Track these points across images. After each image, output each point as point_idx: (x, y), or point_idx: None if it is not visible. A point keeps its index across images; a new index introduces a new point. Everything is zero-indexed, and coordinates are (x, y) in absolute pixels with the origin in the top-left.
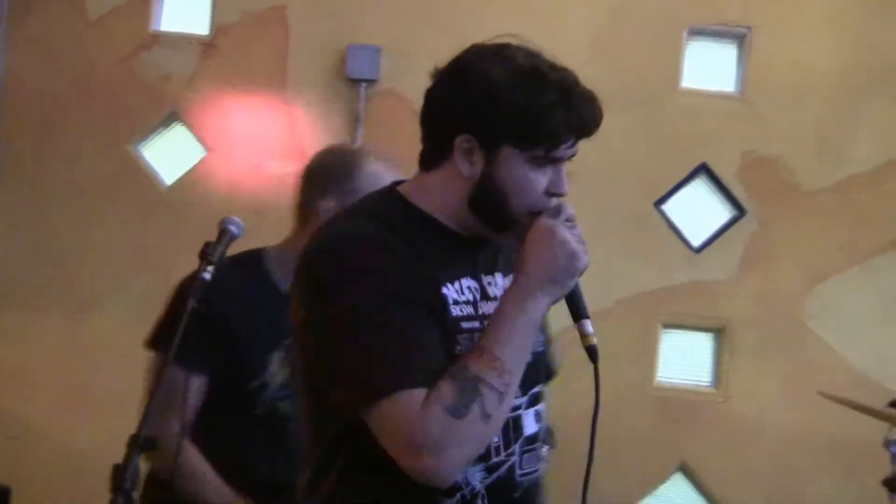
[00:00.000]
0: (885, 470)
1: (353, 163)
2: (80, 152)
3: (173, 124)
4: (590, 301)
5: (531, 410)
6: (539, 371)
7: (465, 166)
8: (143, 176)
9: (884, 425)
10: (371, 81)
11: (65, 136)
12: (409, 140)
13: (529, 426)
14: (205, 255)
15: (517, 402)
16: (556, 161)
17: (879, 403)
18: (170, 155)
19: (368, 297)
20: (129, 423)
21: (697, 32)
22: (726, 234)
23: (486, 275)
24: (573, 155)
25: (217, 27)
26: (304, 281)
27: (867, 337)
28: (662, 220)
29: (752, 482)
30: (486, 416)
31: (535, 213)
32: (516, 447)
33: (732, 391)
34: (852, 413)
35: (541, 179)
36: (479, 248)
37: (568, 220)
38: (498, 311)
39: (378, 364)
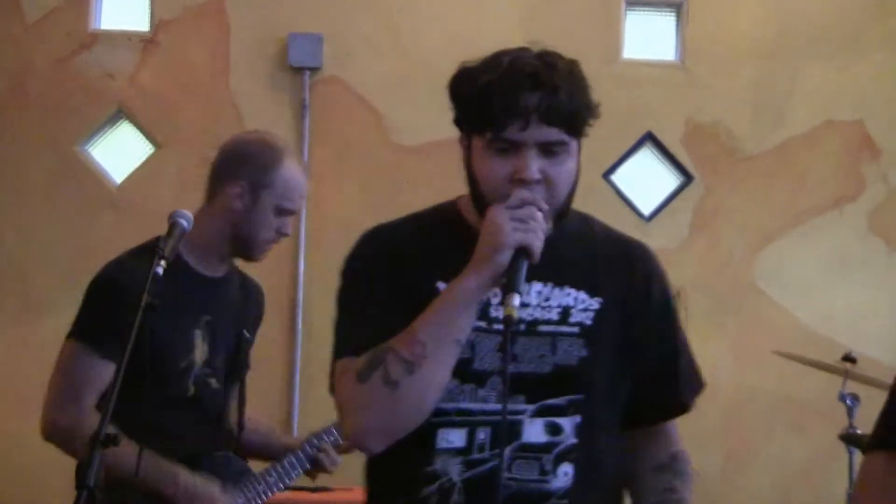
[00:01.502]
0: (838, 425)
1: (274, 158)
2: (23, 155)
3: (119, 122)
4: None
5: (538, 420)
6: (560, 385)
7: (463, 160)
8: (92, 175)
9: (833, 383)
10: (314, 69)
11: (4, 138)
12: (355, 125)
13: (532, 435)
14: (157, 249)
15: (519, 407)
16: (514, 145)
17: (831, 359)
18: (117, 153)
19: (350, 283)
20: None
21: (635, 3)
22: (675, 201)
23: None
24: (543, 141)
25: (157, 23)
26: None
27: (814, 295)
28: (612, 191)
29: (708, 443)
30: (392, 383)
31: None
32: (506, 450)
33: None
34: (803, 371)
35: (503, 165)
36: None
37: (522, 202)
38: None
39: (335, 338)
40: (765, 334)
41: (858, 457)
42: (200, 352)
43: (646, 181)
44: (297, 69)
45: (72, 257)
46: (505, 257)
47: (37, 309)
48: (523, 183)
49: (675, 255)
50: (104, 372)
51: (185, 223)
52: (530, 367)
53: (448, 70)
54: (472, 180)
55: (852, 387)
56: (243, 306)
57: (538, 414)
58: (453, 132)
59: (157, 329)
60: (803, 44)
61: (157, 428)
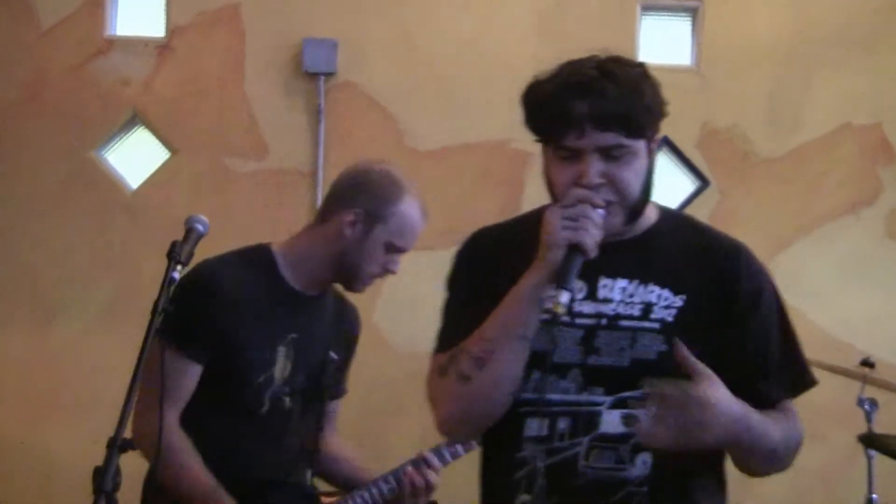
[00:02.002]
0: (856, 430)
1: (395, 193)
2: (38, 161)
3: (135, 128)
4: None
5: (616, 412)
6: (638, 378)
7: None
8: (107, 181)
9: (851, 388)
10: (329, 75)
11: (20, 146)
12: (369, 130)
13: (609, 425)
14: (172, 255)
15: (598, 399)
16: (574, 152)
17: (848, 364)
18: (133, 159)
19: (449, 284)
20: (99, 428)
21: (650, 7)
22: (690, 205)
23: (605, 277)
24: (601, 146)
25: (172, 29)
26: None
27: (831, 300)
28: None
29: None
30: (464, 377)
31: None
32: (584, 439)
33: None
34: (820, 376)
35: (567, 172)
36: (611, 250)
37: (576, 201)
38: None
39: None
40: None
41: (878, 461)
42: (281, 368)
43: (661, 186)
44: (312, 75)
45: (87, 263)
46: (557, 255)
47: (51, 314)
48: (584, 187)
49: None
50: (188, 371)
51: (200, 228)
52: (610, 360)
53: (462, 74)
54: (548, 187)
55: (871, 392)
56: (336, 327)
57: (616, 405)
58: (467, 137)
59: (240, 339)
60: (819, 47)
61: (226, 440)
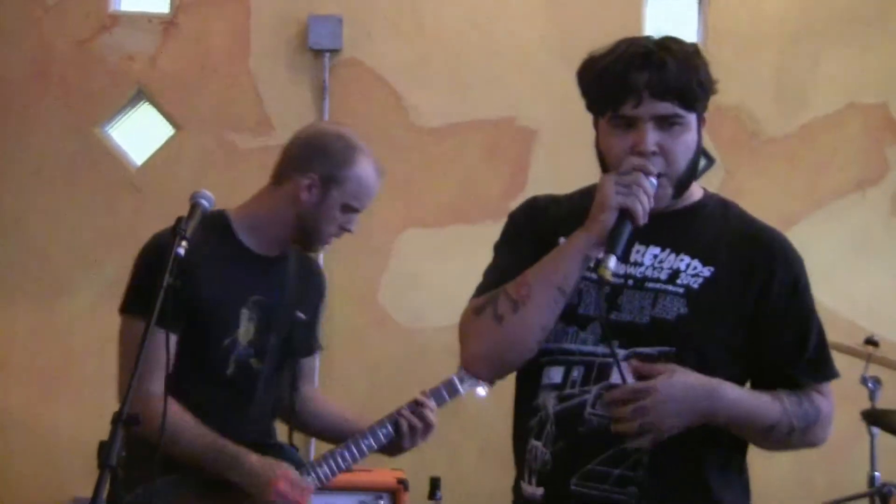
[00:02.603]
0: (860, 408)
1: (350, 156)
2: (43, 137)
3: (140, 104)
4: None
5: (626, 364)
6: (655, 336)
7: (595, 144)
8: (112, 157)
9: (855, 366)
10: (334, 51)
11: (26, 121)
12: (374, 107)
13: (619, 377)
14: (177, 230)
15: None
16: (631, 121)
17: (853, 342)
18: (138, 135)
19: (500, 238)
20: (106, 404)
21: None
22: (697, 183)
23: (639, 243)
24: (656, 115)
25: (177, 5)
26: None
27: (836, 278)
28: None
29: None
30: (498, 317)
31: None
32: (594, 388)
33: None
34: None
35: (623, 140)
36: (651, 220)
37: (631, 168)
38: None
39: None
40: None
41: (881, 438)
42: (245, 331)
43: None
44: (317, 51)
45: (92, 239)
46: (609, 218)
47: (58, 290)
48: (640, 154)
49: None
50: (160, 346)
51: (206, 203)
52: (629, 316)
53: (468, 51)
54: (601, 158)
55: (874, 370)
56: (300, 287)
57: (629, 359)
58: (472, 114)
59: (201, 304)
60: (826, 26)
61: (196, 404)
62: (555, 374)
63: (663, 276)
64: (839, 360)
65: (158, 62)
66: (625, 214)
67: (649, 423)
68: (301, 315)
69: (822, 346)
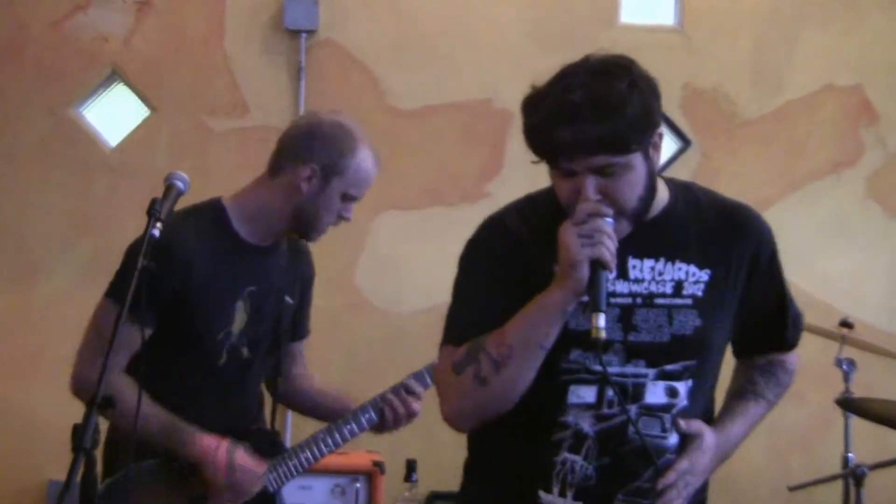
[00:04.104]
0: (834, 390)
1: (350, 148)
2: (17, 118)
3: (113, 85)
4: None
5: (661, 383)
6: (678, 353)
7: None
8: (86, 138)
9: (830, 348)
10: (310, 32)
11: None
12: (351, 89)
13: (654, 396)
14: (152, 212)
15: (639, 371)
16: (569, 171)
17: (828, 324)
18: (112, 116)
19: (463, 270)
20: None
21: None
22: (673, 166)
23: (633, 257)
24: (592, 167)
25: None
26: None
27: (811, 260)
28: None
29: None
30: (481, 379)
31: None
32: (632, 408)
33: None
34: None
35: (568, 188)
36: (633, 232)
37: (587, 216)
38: None
39: (445, 322)
40: None
41: (854, 422)
42: (239, 322)
43: None
44: (293, 32)
45: (66, 220)
46: (582, 272)
47: (32, 272)
48: (587, 200)
49: None
50: (136, 332)
51: (181, 185)
52: (650, 336)
53: (444, 33)
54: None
55: (849, 352)
56: (291, 273)
57: (659, 378)
58: (449, 96)
59: (198, 301)
60: (802, 8)
61: (187, 396)
62: (585, 394)
63: (668, 289)
64: (814, 343)
65: (133, 43)
66: (596, 265)
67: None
68: (290, 300)
69: (795, 305)
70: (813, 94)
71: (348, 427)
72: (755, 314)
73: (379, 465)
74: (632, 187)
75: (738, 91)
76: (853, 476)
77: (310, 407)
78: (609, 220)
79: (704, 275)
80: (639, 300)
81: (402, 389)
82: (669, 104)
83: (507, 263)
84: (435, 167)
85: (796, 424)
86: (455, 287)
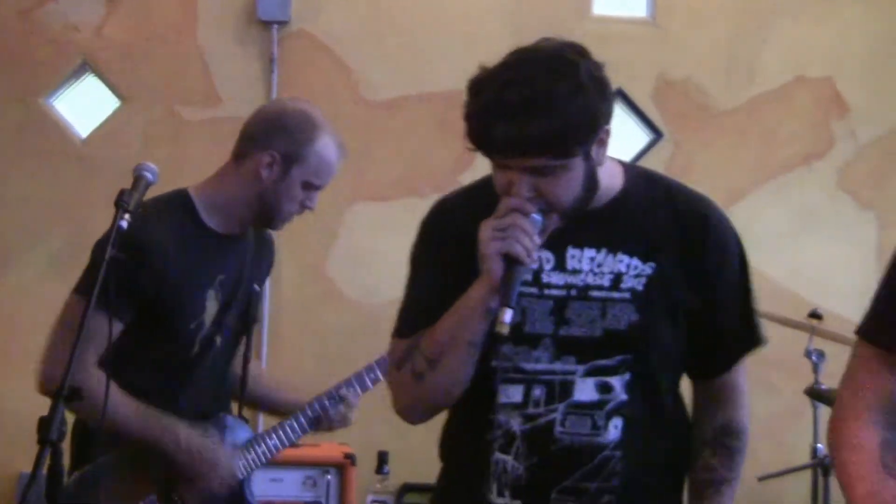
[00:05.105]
0: (804, 381)
1: (311, 136)
2: None
3: (84, 75)
4: None
5: (590, 379)
6: (611, 347)
7: None
8: (57, 129)
9: (800, 339)
10: (283, 23)
11: None
12: (324, 80)
13: (583, 393)
14: (120, 203)
15: (568, 367)
16: (501, 166)
17: (798, 315)
18: (83, 106)
19: (411, 262)
20: None
21: None
22: (645, 157)
23: (573, 247)
24: (528, 166)
25: None
26: None
27: (783, 252)
28: None
29: None
30: (418, 375)
31: None
32: (560, 406)
33: None
34: (770, 327)
35: (500, 178)
36: (582, 220)
37: (507, 210)
38: None
39: (397, 315)
40: None
41: (823, 412)
42: (210, 312)
43: (616, 138)
44: (266, 23)
45: (37, 211)
46: (494, 267)
47: (2, 264)
48: (517, 196)
49: None
50: (104, 327)
51: (149, 176)
52: (582, 330)
53: (418, 24)
54: None
55: (819, 343)
56: (257, 260)
57: (589, 374)
58: (423, 87)
59: (170, 291)
60: (774, 0)
61: (160, 387)
62: (513, 393)
63: (606, 282)
64: (784, 334)
65: (104, 32)
66: (510, 260)
67: None
68: (257, 287)
69: (750, 319)
70: (785, 86)
71: (314, 411)
72: (702, 322)
73: (350, 457)
74: (567, 188)
75: (711, 82)
76: (821, 466)
77: (252, 399)
78: (535, 216)
79: (648, 268)
80: (573, 292)
81: (337, 398)
82: (642, 95)
83: (452, 250)
84: (408, 158)
85: (766, 415)
86: (408, 277)
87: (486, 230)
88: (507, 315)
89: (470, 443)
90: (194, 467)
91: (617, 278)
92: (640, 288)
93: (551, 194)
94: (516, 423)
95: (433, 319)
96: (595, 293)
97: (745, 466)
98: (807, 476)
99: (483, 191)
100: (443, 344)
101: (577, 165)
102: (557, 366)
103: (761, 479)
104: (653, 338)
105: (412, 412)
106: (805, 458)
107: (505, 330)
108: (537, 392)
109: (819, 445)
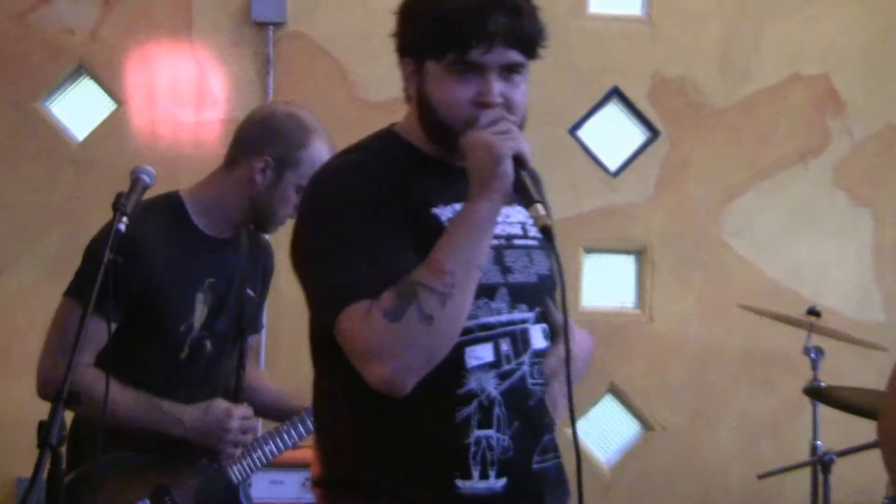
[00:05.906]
0: (803, 378)
1: (304, 140)
2: None
3: (80, 79)
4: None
5: (538, 326)
6: (542, 293)
7: (410, 88)
8: (52, 132)
9: (798, 336)
10: (278, 24)
11: None
12: (319, 81)
13: (537, 340)
14: (117, 206)
15: (524, 315)
16: (476, 68)
17: (796, 312)
18: (79, 110)
19: (334, 221)
20: None
21: None
22: (641, 156)
23: None
24: (506, 63)
25: None
26: (297, 213)
27: (779, 249)
28: (578, 146)
29: (675, 397)
30: (427, 318)
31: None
32: (525, 358)
33: (655, 312)
34: (769, 324)
35: (464, 89)
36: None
37: (497, 119)
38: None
39: (333, 285)
40: (731, 288)
41: (822, 410)
42: (200, 314)
43: (612, 137)
44: (261, 24)
45: (33, 215)
46: (508, 168)
47: None
48: (486, 106)
49: (641, 210)
50: (103, 326)
51: (147, 179)
52: (522, 277)
53: None
54: (427, 106)
55: (817, 340)
56: (251, 265)
57: (538, 320)
58: None
59: (158, 293)
60: None
61: (147, 387)
62: (483, 352)
63: (518, 230)
64: (782, 331)
65: (99, 35)
66: (517, 162)
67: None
68: (251, 293)
69: None
70: (780, 84)
71: (279, 439)
72: None
73: None
74: (523, 98)
75: (706, 80)
76: (821, 463)
77: (260, 405)
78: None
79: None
80: (503, 241)
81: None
82: (637, 94)
83: (375, 209)
84: None
85: (765, 412)
86: (328, 244)
87: (488, 135)
88: (541, 209)
89: (432, 430)
90: (209, 441)
91: (524, 227)
92: (540, 236)
93: (514, 102)
94: (492, 385)
95: (393, 275)
96: (518, 241)
97: (745, 464)
98: (806, 473)
99: (372, 151)
100: (454, 273)
101: (527, 77)
102: (516, 315)
103: (761, 476)
104: (561, 279)
105: (414, 371)
106: (804, 455)
107: (550, 222)
108: (504, 347)
109: (818, 442)
